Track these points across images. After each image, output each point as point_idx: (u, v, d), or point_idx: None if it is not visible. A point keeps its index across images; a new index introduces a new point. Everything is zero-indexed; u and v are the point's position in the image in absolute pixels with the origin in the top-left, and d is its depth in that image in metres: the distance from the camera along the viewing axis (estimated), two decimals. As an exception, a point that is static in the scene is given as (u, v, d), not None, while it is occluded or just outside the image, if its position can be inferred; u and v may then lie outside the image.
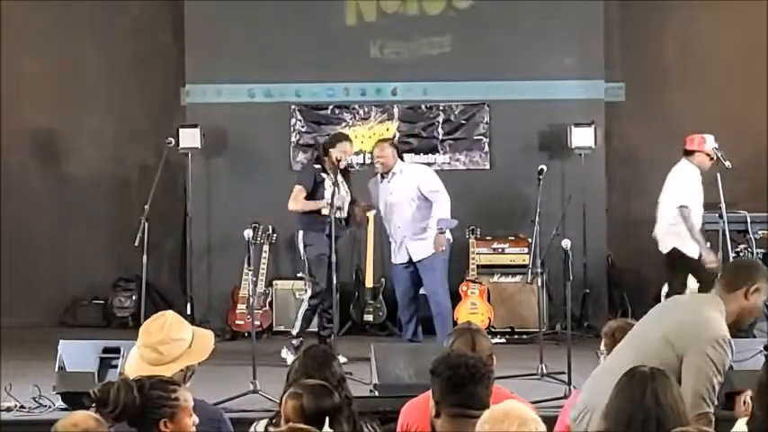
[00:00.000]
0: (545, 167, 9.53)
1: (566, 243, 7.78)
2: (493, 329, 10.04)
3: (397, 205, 9.13)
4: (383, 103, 11.12)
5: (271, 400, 6.81)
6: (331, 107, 11.12)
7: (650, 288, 10.33)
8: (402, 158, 9.38)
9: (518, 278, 10.38)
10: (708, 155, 9.23)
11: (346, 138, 9.36)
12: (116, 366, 6.89)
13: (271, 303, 10.58)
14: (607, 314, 10.24)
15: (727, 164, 9.17)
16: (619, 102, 11.33)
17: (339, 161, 8.99)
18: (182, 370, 4.17)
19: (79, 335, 8.61)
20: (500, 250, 10.60)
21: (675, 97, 11.26)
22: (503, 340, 9.93)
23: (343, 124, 11.00)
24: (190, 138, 10.62)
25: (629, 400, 3.73)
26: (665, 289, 9.37)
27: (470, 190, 10.61)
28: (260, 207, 10.57)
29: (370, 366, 7.37)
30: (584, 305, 10.53)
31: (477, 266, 10.37)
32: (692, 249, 9.09)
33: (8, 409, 7.01)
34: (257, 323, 9.87)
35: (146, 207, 8.84)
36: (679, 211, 9.06)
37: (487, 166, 11.08)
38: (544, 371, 8.07)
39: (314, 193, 9.01)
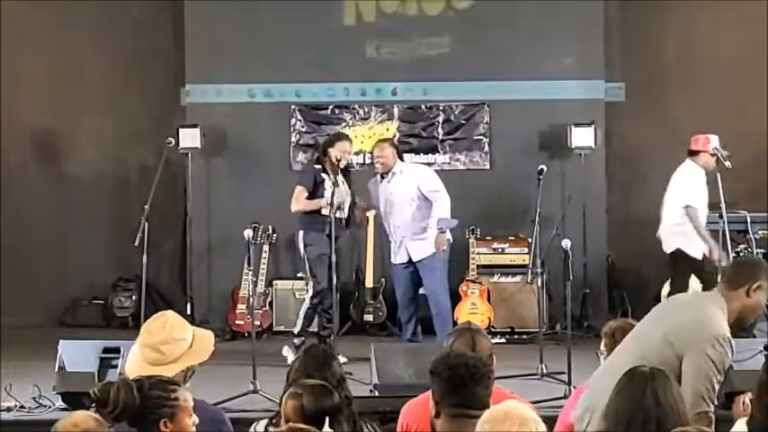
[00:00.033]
0: (545, 167, 9.52)
1: (566, 243, 7.78)
2: (493, 329, 10.04)
3: (396, 205, 9.11)
4: (383, 103, 11.12)
5: (271, 400, 6.81)
6: (331, 107, 11.12)
7: (650, 288, 10.34)
8: (402, 158, 9.37)
9: (518, 278, 10.38)
10: (713, 155, 9.22)
11: (345, 137, 9.35)
12: (116, 366, 6.89)
13: (271, 303, 10.58)
14: (607, 314, 10.23)
15: (727, 164, 9.16)
16: (619, 102, 11.33)
17: (339, 161, 8.97)
18: (182, 370, 4.16)
19: (79, 335, 8.62)
20: (500, 250, 10.60)
21: (675, 97, 11.26)
22: (503, 340, 9.93)
23: (343, 124, 10.99)
24: (190, 138, 10.62)
25: (629, 400, 3.74)
26: (665, 289, 9.38)
27: (470, 190, 10.61)
28: (260, 207, 10.57)
29: (370, 366, 7.36)
30: (584, 305, 10.53)
31: (477, 266, 10.37)
32: (695, 250, 9.08)
33: (8, 409, 7.01)
34: (257, 323, 9.86)
35: (146, 207, 8.83)
36: (685, 211, 9.03)
37: (487, 166, 11.08)
38: (544, 371, 8.06)
39: (314, 193, 8.99)
